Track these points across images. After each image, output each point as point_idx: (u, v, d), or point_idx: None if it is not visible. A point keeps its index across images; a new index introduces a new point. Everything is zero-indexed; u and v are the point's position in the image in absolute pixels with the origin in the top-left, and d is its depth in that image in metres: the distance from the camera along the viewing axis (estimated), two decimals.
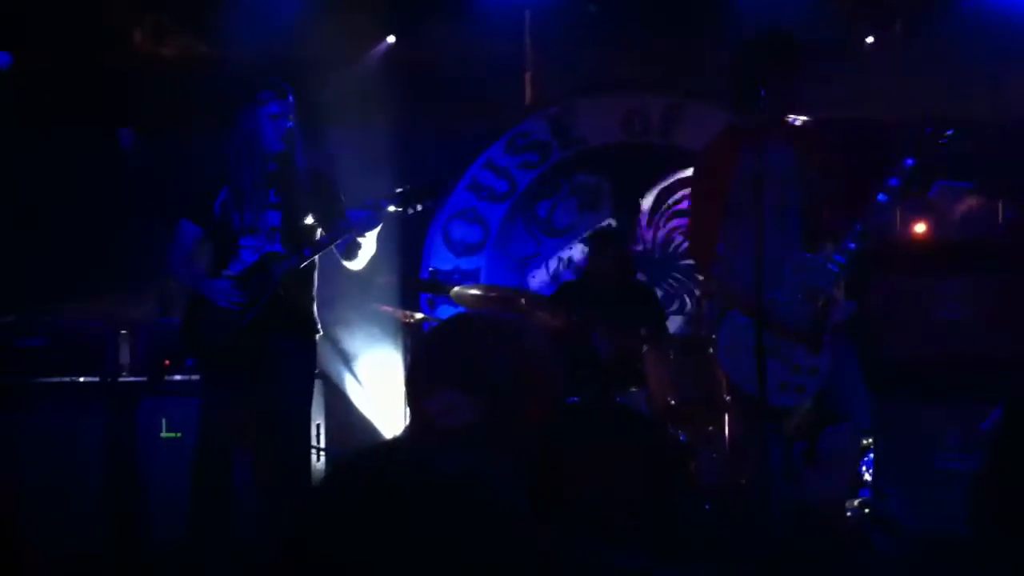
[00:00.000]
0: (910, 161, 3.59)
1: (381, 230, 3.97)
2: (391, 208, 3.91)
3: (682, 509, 4.18)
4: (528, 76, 6.45)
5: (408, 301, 5.79)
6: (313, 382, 4.11)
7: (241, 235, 3.96)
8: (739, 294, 3.71)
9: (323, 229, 4.01)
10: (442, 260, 6.32)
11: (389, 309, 5.53)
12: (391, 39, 6.40)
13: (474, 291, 5.01)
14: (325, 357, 5.65)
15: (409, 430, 1.59)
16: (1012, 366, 4.34)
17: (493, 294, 4.97)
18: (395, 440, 1.25)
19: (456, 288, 5.03)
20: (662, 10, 6.19)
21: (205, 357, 4.04)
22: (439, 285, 5.22)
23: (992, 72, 5.88)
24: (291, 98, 3.98)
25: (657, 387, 4.75)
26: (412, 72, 6.38)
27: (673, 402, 4.66)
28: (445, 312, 5.78)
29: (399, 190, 3.97)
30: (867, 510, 4.10)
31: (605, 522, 3.85)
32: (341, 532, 1.09)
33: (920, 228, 4.59)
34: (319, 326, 4.08)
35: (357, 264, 4.05)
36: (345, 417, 5.79)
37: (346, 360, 6.04)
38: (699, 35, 6.11)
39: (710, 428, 4.71)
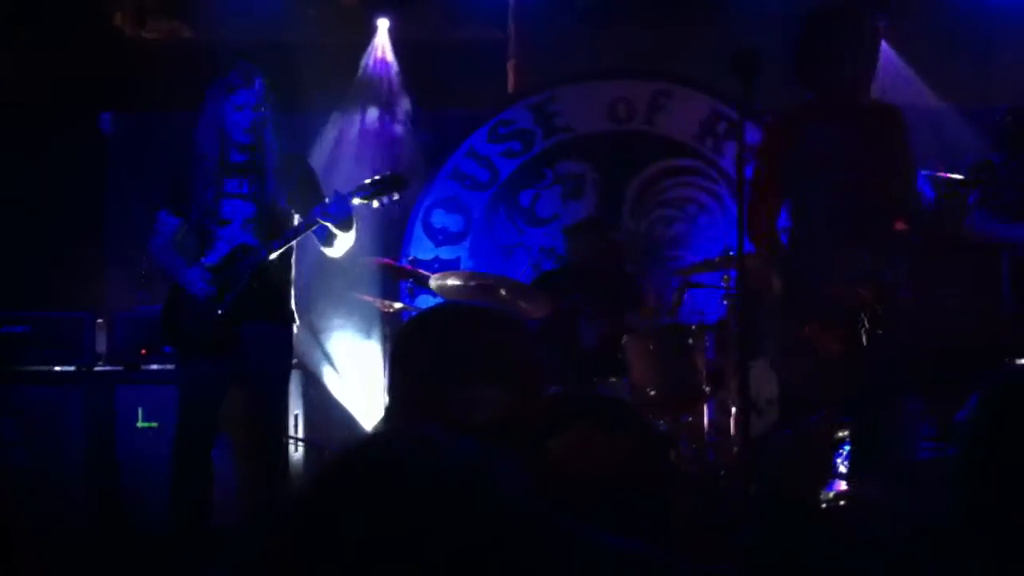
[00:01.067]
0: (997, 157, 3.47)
1: (359, 220, 3.96)
2: (357, 200, 3.88)
3: (665, 498, 4.18)
4: (511, 63, 6.41)
5: (388, 290, 5.76)
6: (290, 369, 4.11)
7: (215, 226, 3.94)
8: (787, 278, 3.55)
9: (299, 216, 3.99)
10: (422, 249, 6.29)
11: (369, 298, 5.51)
12: (384, 21, 6.36)
13: (455, 280, 4.99)
14: (303, 346, 5.62)
15: (408, 421, 1.57)
16: (989, 354, 4.36)
17: (474, 283, 4.95)
18: (400, 430, 1.25)
19: (437, 277, 5.01)
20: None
21: (182, 345, 4.02)
22: (419, 274, 5.20)
23: (978, 57, 5.87)
24: (259, 84, 3.88)
25: (639, 376, 4.75)
26: (394, 58, 6.35)
27: (653, 392, 4.65)
28: (425, 301, 5.75)
29: (367, 181, 3.94)
30: (842, 502, 4.09)
31: (588, 510, 3.85)
32: (353, 520, 1.08)
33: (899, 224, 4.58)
34: (295, 315, 4.07)
35: (334, 252, 4.03)
36: (323, 407, 5.77)
37: (324, 349, 6.01)
38: (686, 21, 6.08)
39: (689, 418, 4.71)
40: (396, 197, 3.93)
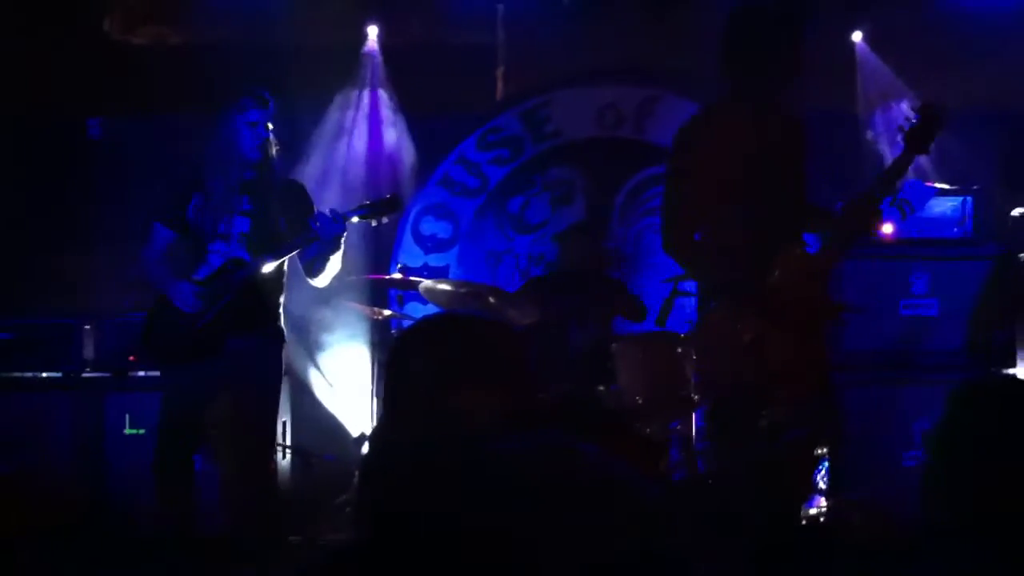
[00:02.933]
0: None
1: (346, 243, 3.99)
2: (355, 219, 3.98)
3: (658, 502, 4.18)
4: (501, 70, 6.42)
5: (376, 297, 5.76)
6: (279, 383, 4.10)
7: (210, 240, 3.97)
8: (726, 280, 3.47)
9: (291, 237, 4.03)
10: (411, 256, 6.29)
11: (357, 305, 5.51)
12: (374, 28, 6.37)
13: (444, 287, 5.00)
14: (291, 354, 5.62)
15: (408, 426, 1.58)
16: (976, 358, 4.40)
17: (463, 290, 4.95)
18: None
19: (426, 284, 5.01)
20: (636, 3, 6.17)
21: (161, 355, 4.04)
22: (408, 281, 5.21)
23: (959, 66, 5.91)
24: (272, 107, 3.99)
25: (628, 384, 4.75)
26: (383, 65, 6.35)
27: (641, 399, 4.66)
28: (414, 308, 5.75)
29: (366, 202, 4.07)
30: (822, 519, 4.10)
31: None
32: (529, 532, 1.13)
33: (888, 227, 4.61)
34: (284, 333, 4.08)
35: (320, 280, 4.06)
36: (311, 414, 5.76)
37: (312, 357, 6.00)
38: (674, 28, 6.09)
39: (678, 426, 4.72)
40: (395, 215, 4.07)
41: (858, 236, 3.57)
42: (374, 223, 4.10)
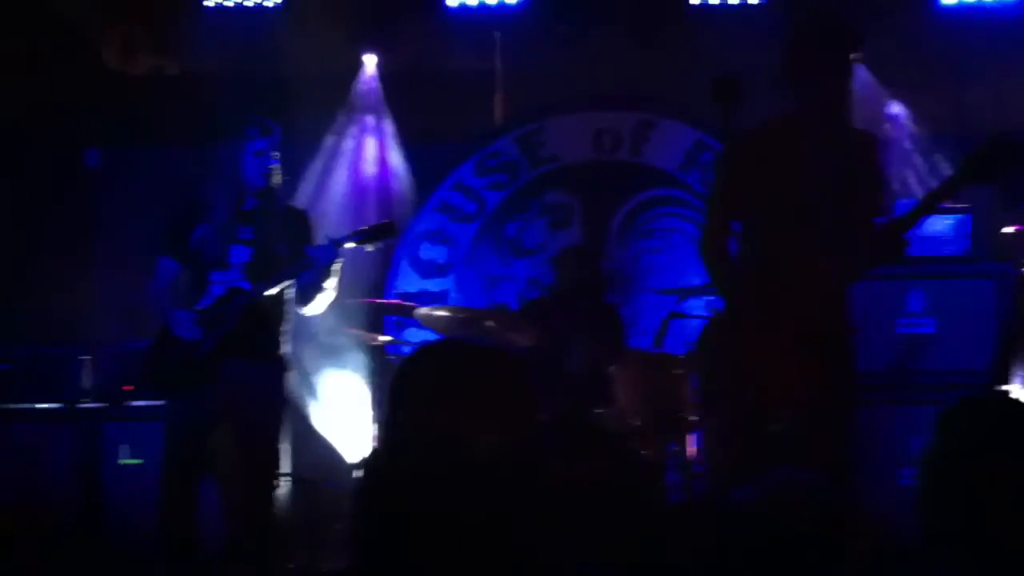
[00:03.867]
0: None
1: (343, 270, 4.01)
2: (350, 244, 4.00)
3: (654, 529, 4.17)
4: (498, 96, 6.45)
5: (375, 323, 5.76)
6: (282, 409, 4.07)
7: (211, 269, 3.99)
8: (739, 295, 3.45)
9: None
10: (409, 282, 6.30)
11: (355, 331, 5.51)
12: (371, 57, 6.41)
13: (441, 312, 5.00)
14: (289, 380, 5.62)
15: (407, 453, 1.59)
16: (976, 377, 4.38)
17: (461, 315, 4.96)
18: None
19: (423, 310, 5.01)
20: (633, 29, 6.20)
21: (162, 388, 4.05)
22: (406, 307, 5.21)
23: (954, 85, 5.93)
24: (277, 135, 4.02)
25: (625, 405, 4.75)
26: (381, 91, 6.38)
27: (639, 421, 4.66)
28: (413, 334, 5.75)
29: (361, 228, 4.11)
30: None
31: (577, 538, 3.84)
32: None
33: None
34: (286, 361, 4.08)
35: (311, 309, 4.07)
36: (309, 440, 5.75)
37: (309, 382, 6.00)
38: (671, 54, 6.13)
39: (676, 447, 4.71)
40: (390, 241, 4.13)
41: (887, 261, 3.53)
42: (369, 248, 4.11)
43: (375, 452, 1.73)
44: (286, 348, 4.08)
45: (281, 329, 4.05)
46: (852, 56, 3.49)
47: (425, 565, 1.26)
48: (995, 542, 1.65)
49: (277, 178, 4.02)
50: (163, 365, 3.98)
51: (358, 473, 5.12)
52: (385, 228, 4.10)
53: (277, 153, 4.00)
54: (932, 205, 3.44)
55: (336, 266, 3.96)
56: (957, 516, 1.68)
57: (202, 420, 3.92)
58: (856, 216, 3.47)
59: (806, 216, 3.42)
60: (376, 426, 5.24)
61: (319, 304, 4.05)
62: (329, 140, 6.35)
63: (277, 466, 4.10)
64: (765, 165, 3.47)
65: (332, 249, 3.91)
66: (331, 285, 3.99)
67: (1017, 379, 4.47)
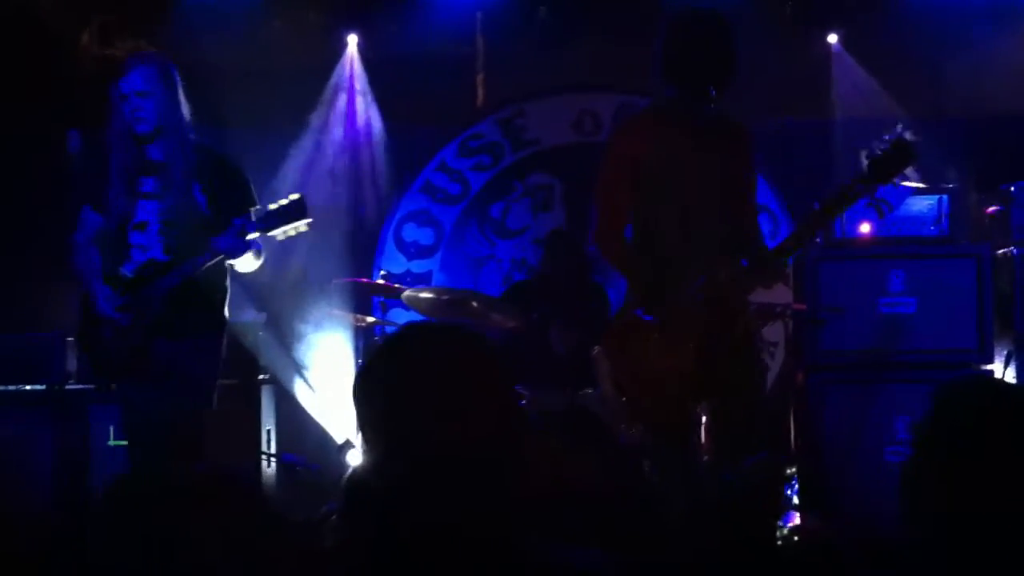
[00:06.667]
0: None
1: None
2: (254, 234, 3.60)
3: (638, 508, 4.20)
4: (480, 77, 6.45)
5: (360, 304, 5.76)
6: (214, 383, 3.78)
7: (129, 229, 3.69)
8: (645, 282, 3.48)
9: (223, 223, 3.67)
10: (394, 263, 6.30)
11: (341, 312, 5.51)
12: (353, 37, 6.39)
13: (426, 295, 5.01)
14: (274, 361, 5.62)
15: (387, 450, 1.53)
16: (956, 357, 4.44)
17: (445, 297, 4.96)
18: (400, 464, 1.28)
19: (408, 292, 5.02)
20: (613, 11, 6.21)
21: (106, 374, 3.83)
22: (391, 288, 5.21)
23: (931, 69, 5.97)
24: (145, 67, 3.62)
25: (609, 388, 4.76)
26: (363, 73, 6.37)
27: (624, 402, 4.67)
28: (398, 315, 5.76)
29: (271, 207, 3.60)
30: (796, 537, 4.11)
31: (559, 521, 3.86)
32: None
33: (865, 227, 4.66)
34: (223, 322, 3.82)
35: (241, 267, 3.77)
36: (295, 422, 5.76)
37: (296, 364, 6.00)
38: (650, 35, 6.13)
39: None
40: (303, 228, 3.62)
41: (767, 285, 3.57)
42: (281, 237, 3.62)
43: (352, 475, 1.65)
44: (222, 314, 3.79)
45: (215, 296, 3.76)
46: (728, 40, 3.50)
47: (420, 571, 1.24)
48: (977, 523, 1.64)
49: (158, 120, 3.59)
50: (101, 353, 3.74)
51: (344, 460, 5.13)
52: (296, 207, 3.58)
53: (158, 92, 3.58)
54: (831, 214, 3.52)
55: (248, 255, 3.65)
56: (941, 495, 1.67)
57: (147, 408, 3.70)
58: (738, 212, 3.56)
59: (690, 214, 3.48)
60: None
61: (246, 266, 3.75)
62: (312, 122, 6.33)
63: (200, 442, 3.74)
64: (647, 159, 3.51)
65: (239, 243, 3.59)
66: (257, 260, 3.72)
67: (999, 358, 4.54)
